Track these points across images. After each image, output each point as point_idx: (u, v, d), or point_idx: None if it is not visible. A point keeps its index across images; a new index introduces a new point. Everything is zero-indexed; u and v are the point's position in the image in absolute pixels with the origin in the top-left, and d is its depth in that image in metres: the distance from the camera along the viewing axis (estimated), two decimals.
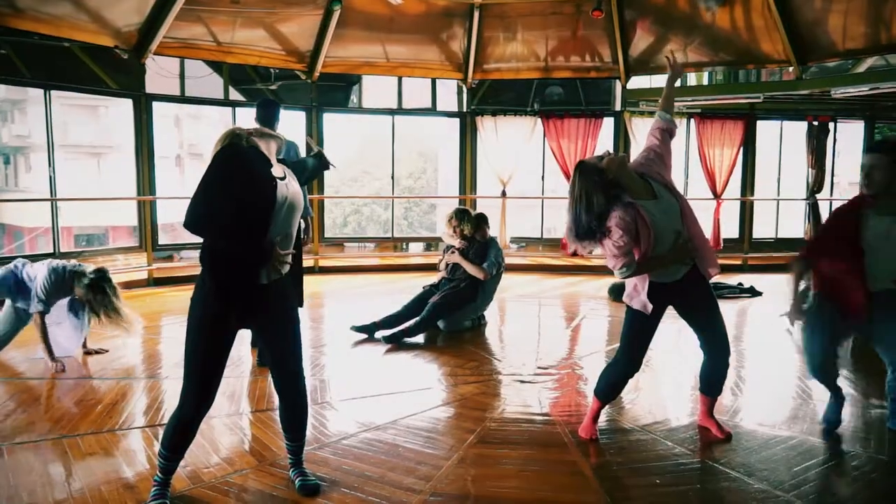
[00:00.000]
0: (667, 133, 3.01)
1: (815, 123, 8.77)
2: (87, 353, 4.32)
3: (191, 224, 2.22)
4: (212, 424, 3.19)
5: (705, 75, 10.11)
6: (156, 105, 7.62)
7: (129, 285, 7.07)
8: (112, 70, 7.23)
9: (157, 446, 2.57)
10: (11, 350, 4.25)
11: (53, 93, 6.89)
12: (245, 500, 2.53)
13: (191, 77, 8.21)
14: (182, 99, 8.31)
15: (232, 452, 2.96)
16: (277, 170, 2.40)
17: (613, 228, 2.67)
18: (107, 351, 4.40)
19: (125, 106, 7.52)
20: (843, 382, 3.25)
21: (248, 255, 2.28)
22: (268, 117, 4.34)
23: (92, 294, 4.02)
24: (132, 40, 6.84)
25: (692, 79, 9.97)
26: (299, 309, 2.59)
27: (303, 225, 4.49)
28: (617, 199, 2.70)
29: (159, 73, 7.61)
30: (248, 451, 2.98)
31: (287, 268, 2.42)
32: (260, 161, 2.35)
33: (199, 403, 2.35)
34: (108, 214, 15.55)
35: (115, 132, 18.99)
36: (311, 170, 2.93)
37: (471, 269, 5.11)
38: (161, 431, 2.50)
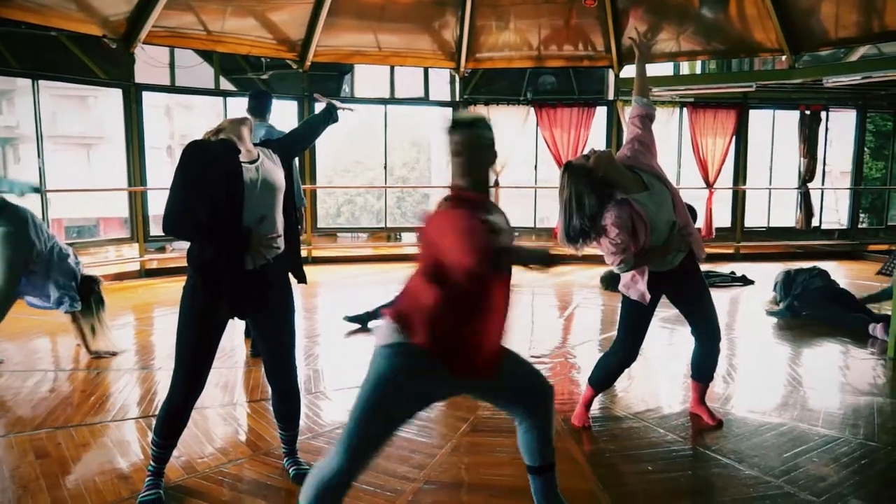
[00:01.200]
0: (647, 119, 2.96)
1: (808, 112, 8.80)
2: (97, 356, 4.16)
3: (168, 227, 2.24)
4: (206, 415, 3.19)
5: (698, 64, 10.11)
6: (146, 95, 7.55)
7: (120, 277, 7.05)
8: (101, 60, 7.14)
9: (150, 437, 2.57)
10: (3, 342, 4.23)
11: (42, 83, 6.81)
12: (239, 490, 2.54)
13: (181, 66, 8.12)
14: (172, 89, 8.22)
15: (226, 442, 2.96)
16: (247, 154, 2.38)
17: (609, 227, 2.65)
18: (115, 354, 4.24)
19: (115, 96, 7.44)
20: None
21: (226, 243, 2.27)
22: (259, 108, 4.33)
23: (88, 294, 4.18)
24: (120, 29, 6.76)
25: (685, 67, 9.97)
26: (298, 285, 2.57)
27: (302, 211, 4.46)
28: (609, 197, 2.68)
29: (149, 62, 7.53)
30: (243, 441, 2.99)
31: (275, 253, 2.39)
32: (223, 150, 2.32)
33: (189, 391, 2.36)
34: (99, 206, 15.43)
35: (104, 122, 18.83)
36: (320, 124, 2.81)
37: None
38: (154, 422, 2.50)
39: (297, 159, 3.57)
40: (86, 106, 20.53)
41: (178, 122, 20.38)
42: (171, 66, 8.05)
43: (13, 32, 6.35)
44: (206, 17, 7.21)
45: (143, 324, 5.29)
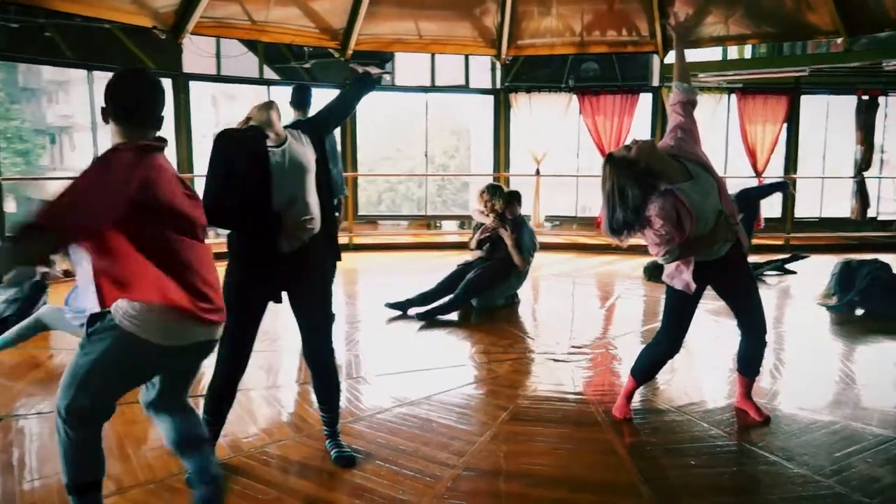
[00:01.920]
0: (689, 105, 2.89)
1: (865, 98, 8.40)
2: None
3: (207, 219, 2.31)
4: (250, 396, 3.28)
5: (747, 48, 9.75)
6: (193, 84, 7.73)
7: None
8: (150, 50, 7.34)
9: (199, 415, 2.64)
10: None
11: (95, 73, 7.04)
12: (283, 469, 2.60)
13: (226, 56, 8.29)
14: (218, 78, 8.40)
15: (270, 424, 3.03)
16: (275, 138, 2.41)
17: (654, 218, 2.60)
18: None
19: (163, 85, 7.65)
20: None
21: (258, 227, 2.34)
22: (300, 101, 4.69)
23: None
24: (169, 20, 6.92)
25: (733, 52, 9.63)
26: (339, 271, 2.63)
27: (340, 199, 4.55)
28: (652, 188, 2.62)
29: (196, 52, 7.70)
30: (286, 422, 3.06)
31: (310, 234, 2.43)
32: (250, 137, 2.38)
33: (230, 371, 2.45)
34: None
35: None
36: (356, 94, 2.82)
37: (513, 251, 5.09)
38: (202, 401, 2.59)
39: (339, 147, 3.62)
40: None
41: (223, 111, 20.82)
42: (217, 55, 8.22)
43: (68, 25, 6.58)
44: (250, 7, 7.32)
45: None
